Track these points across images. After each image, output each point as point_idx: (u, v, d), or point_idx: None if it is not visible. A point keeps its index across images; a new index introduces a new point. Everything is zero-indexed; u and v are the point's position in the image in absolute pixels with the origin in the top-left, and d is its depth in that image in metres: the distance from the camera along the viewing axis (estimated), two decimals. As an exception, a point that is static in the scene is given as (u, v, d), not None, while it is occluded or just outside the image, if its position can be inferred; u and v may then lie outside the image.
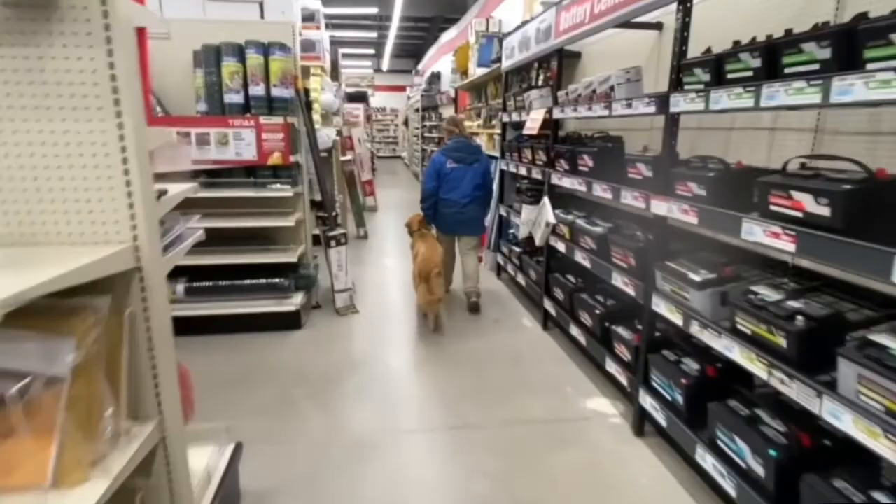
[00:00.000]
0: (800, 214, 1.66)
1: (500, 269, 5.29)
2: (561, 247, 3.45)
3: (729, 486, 1.91)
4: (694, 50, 2.27)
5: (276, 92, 3.60)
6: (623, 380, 2.69)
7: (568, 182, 3.28)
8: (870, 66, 1.48)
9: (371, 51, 22.28)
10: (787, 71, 1.79)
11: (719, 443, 2.00)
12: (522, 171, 4.31)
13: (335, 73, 8.86)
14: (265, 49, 3.55)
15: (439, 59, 13.87)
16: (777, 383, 1.73)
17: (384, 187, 12.77)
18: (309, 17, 6.24)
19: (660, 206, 2.32)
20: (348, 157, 7.15)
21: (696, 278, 2.10)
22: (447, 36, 13.51)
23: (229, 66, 3.51)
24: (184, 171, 3.56)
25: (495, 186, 5.42)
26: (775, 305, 1.79)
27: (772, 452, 1.75)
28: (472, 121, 8.65)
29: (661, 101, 2.33)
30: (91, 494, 1.08)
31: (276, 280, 3.80)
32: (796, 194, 1.67)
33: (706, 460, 2.03)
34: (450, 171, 4.27)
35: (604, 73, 2.97)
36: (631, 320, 2.80)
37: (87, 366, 1.14)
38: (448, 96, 11.66)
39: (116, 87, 1.25)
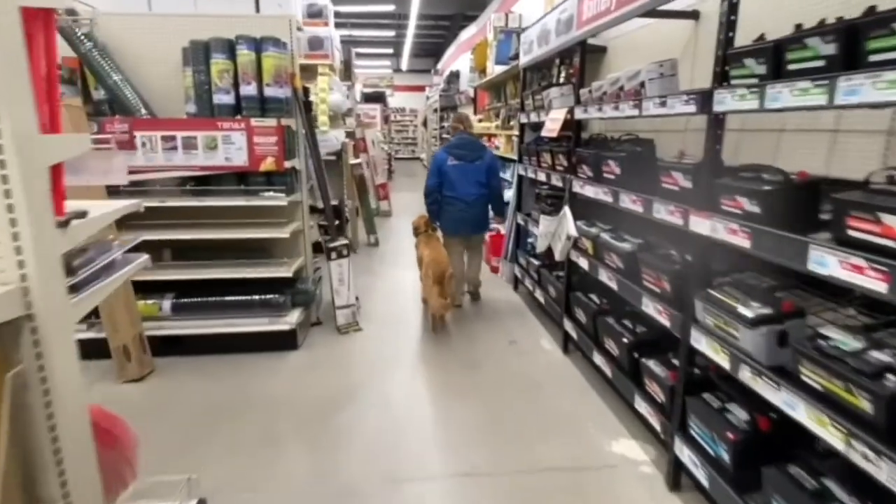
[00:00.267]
0: (894, 245, 1.28)
1: (517, 282, 4.92)
2: (583, 263, 3.07)
3: (793, 581, 1.53)
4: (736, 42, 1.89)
5: (269, 91, 3.30)
6: (655, 423, 2.31)
7: (591, 191, 2.91)
8: None
9: (389, 50, 22.04)
10: (872, 59, 1.40)
11: (779, 521, 1.61)
12: (541, 176, 3.95)
13: (348, 73, 8.58)
14: (257, 45, 3.26)
15: (458, 58, 13.53)
16: (859, 459, 1.35)
17: (400, 190, 12.49)
18: (316, 14, 5.97)
19: (701, 224, 1.94)
20: (359, 160, 6.85)
21: (748, 313, 1.71)
22: (466, 34, 13.16)
23: (218, 63, 3.22)
24: (170, 178, 3.31)
25: (512, 193, 5.08)
26: (855, 357, 1.40)
27: (854, 548, 1.36)
28: (490, 121, 8.28)
29: (703, 99, 1.95)
30: None
31: (270, 296, 3.50)
32: (888, 219, 1.29)
33: (761, 541, 1.65)
34: (450, 168, 4.21)
35: (633, 67, 2.59)
36: (664, 353, 2.42)
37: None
38: (467, 96, 11.33)
39: (-18, 83, 0.94)
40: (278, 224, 3.47)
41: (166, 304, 3.44)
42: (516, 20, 7.40)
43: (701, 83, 2.25)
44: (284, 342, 3.53)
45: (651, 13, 3.00)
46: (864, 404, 1.34)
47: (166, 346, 3.39)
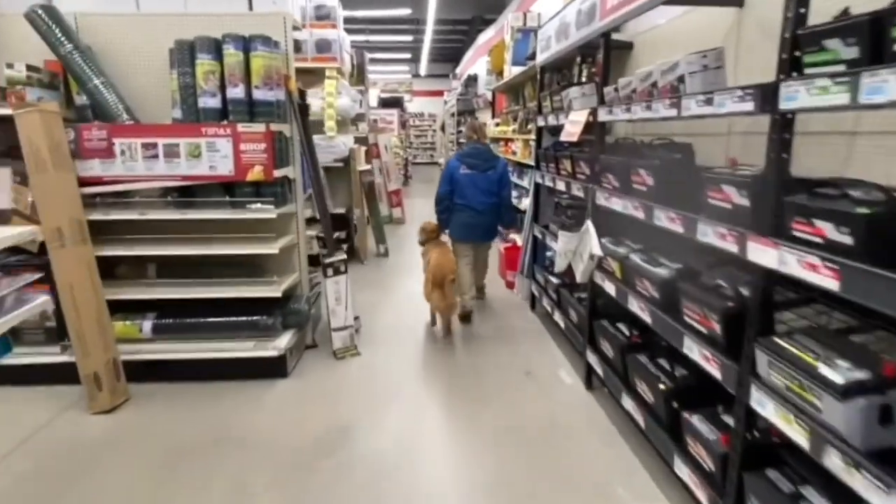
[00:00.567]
0: None
1: (533, 300, 4.51)
2: (609, 287, 2.66)
3: None
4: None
5: (258, 94, 2.98)
6: (702, 496, 1.89)
7: (619, 204, 2.50)
8: None
9: (408, 55, 21.83)
10: None
11: None
12: (560, 185, 3.54)
13: (361, 77, 8.31)
14: (245, 43, 2.94)
15: (476, 62, 13.18)
16: None
17: (416, 196, 12.17)
18: (325, 16, 5.68)
19: (764, 253, 1.53)
20: (367, 166, 6.53)
21: (836, 378, 1.30)
22: (484, 36, 12.83)
23: (204, 64, 2.92)
24: (151, 188, 3.01)
25: (529, 202, 4.69)
26: None
27: None
28: (508, 125, 7.90)
29: (766, 94, 1.55)
30: None
31: (258, 318, 3.17)
32: None
33: None
34: (462, 176, 4.24)
35: (668, 59, 2.18)
36: (713, 405, 2.00)
37: None
38: (485, 100, 10.97)
39: None
40: (267, 239, 3.13)
41: (147, 325, 3.14)
42: (535, 20, 7.01)
43: (745, 81, 1.85)
44: (272, 369, 3.19)
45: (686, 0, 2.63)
46: None
47: (145, 371, 3.09)
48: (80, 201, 2.79)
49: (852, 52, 1.32)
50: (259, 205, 3.00)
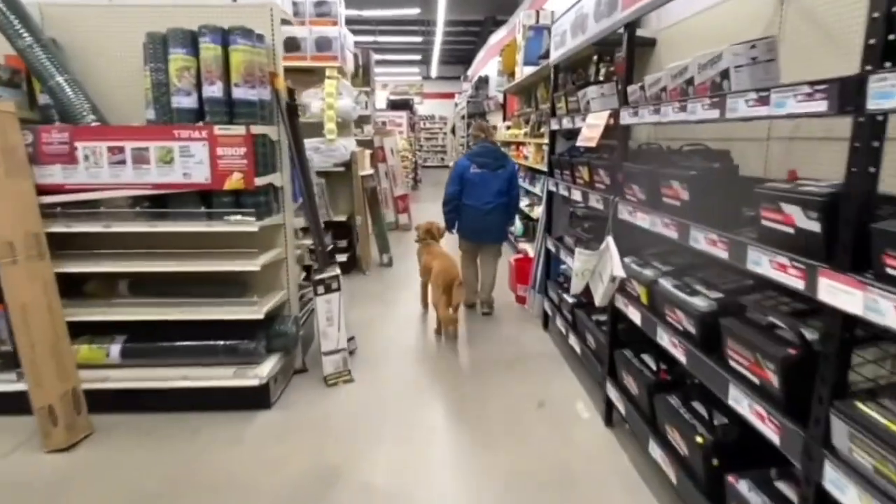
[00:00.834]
0: None
1: (546, 318, 4.16)
2: (634, 315, 2.31)
3: None
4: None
5: (238, 93, 2.68)
6: (752, 584, 1.54)
7: (646, 220, 2.15)
8: None
9: (418, 57, 21.58)
10: None
11: None
12: (576, 195, 3.20)
13: (367, 78, 8.02)
14: (224, 37, 2.64)
15: (487, 63, 12.86)
16: None
17: (425, 201, 11.84)
18: (325, 13, 5.38)
19: (845, 295, 1.18)
20: (370, 171, 6.22)
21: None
22: (496, 37, 12.50)
23: (177, 59, 2.62)
24: (120, 198, 2.71)
25: (541, 212, 4.35)
26: None
27: None
28: (519, 128, 7.57)
29: (847, 91, 1.20)
30: None
31: (237, 342, 2.86)
32: None
33: None
34: (473, 176, 4.20)
35: (707, 52, 1.83)
36: (764, 466, 1.64)
37: None
38: (496, 102, 10.65)
39: None
40: (247, 255, 2.82)
41: (115, 348, 2.84)
42: (548, 18, 6.67)
43: (790, 79, 1.52)
44: (254, 399, 2.88)
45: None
46: None
47: (112, 401, 2.79)
48: (37, 212, 2.51)
49: None
50: (239, 216, 2.69)
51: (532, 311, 4.55)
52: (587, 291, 2.87)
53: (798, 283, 1.33)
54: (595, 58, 4.18)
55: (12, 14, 2.54)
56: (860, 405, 1.20)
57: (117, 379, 2.79)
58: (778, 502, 1.51)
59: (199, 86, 2.66)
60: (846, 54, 1.73)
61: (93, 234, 2.70)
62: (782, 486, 1.56)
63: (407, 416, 2.92)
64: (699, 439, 1.81)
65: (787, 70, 1.88)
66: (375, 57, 8.44)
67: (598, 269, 2.59)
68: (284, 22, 3.11)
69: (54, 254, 2.58)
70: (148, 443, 2.59)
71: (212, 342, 2.88)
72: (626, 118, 2.41)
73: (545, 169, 5.40)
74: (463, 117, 14.16)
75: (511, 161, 4.40)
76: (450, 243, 4.77)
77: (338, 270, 3.32)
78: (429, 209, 10.20)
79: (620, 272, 2.36)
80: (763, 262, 1.43)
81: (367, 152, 7.10)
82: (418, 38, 17.94)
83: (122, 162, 2.60)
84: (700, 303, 1.82)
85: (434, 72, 23.07)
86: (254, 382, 2.78)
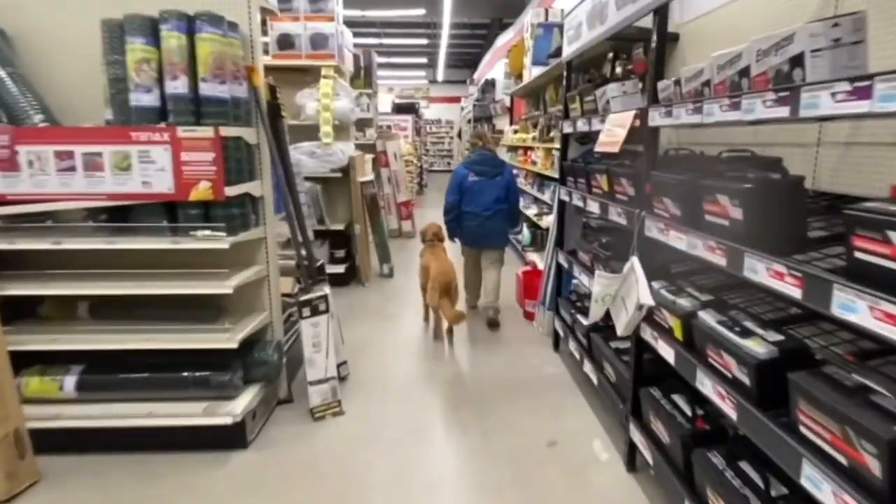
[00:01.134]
0: None
1: (557, 338, 3.79)
2: (665, 351, 1.94)
3: None
4: None
5: (206, 89, 2.33)
6: None
7: (682, 241, 1.78)
8: None
9: (424, 60, 21.31)
10: None
11: None
12: (593, 206, 2.83)
13: (368, 79, 7.70)
14: (189, 24, 2.30)
15: (494, 66, 12.51)
16: None
17: (430, 206, 11.49)
18: (320, 8, 5.06)
19: None
20: (370, 177, 5.88)
21: None
22: (502, 39, 12.15)
23: (135, 50, 2.28)
24: (71, 209, 2.38)
25: (552, 223, 4.00)
26: None
27: None
28: (527, 132, 7.22)
29: None
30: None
31: (208, 374, 2.51)
32: None
33: None
34: (471, 183, 4.25)
35: (770, 34, 1.46)
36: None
37: None
38: (502, 105, 10.31)
39: None
40: (221, 275, 2.47)
41: (69, 381, 2.50)
42: (557, 17, 6.32)
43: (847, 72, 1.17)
44: (227, 439, 2.53)
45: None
46: None
47: (66, 441, 2.46)
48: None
49: None
50: (207, 232, 2.35)
51: (541, 330, 4.19)
52: (605, 314, 2.51)
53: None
54: (610, 55, 3.84)
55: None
56: None
57: (71, 416, 2.45)
58: None
59: (161, 81, 2.32)
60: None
61: (44, 251, 2.36)
62: None
63: (403, 456, 2.56)
64: (756, 518, 1.44)
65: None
66: (381, 60, 8.14)
67: (621, 293, 2.22)
68: (266, 11, 2.77)
69: (-4, 274, 2.26)
70: (101, 492, 2.25)
71: (180, 373, 2.54)
72: (655, 119, 2.04)
73: (555, 175, 5.06)
74: (469, 121, 13.83)
75: (508, 168, 4.43)
76: (453, 248, 4.55)
77: (326, 290, 2.97)
78: (434, 216, 9.82)
79: (649, 300, 2.00)
80: (860, 310, 1.07)
81: (369, 157, 6.77)
82: (424, 41, 17.65)
83: (72, 169, 2.27)
84: (756, 348, 1.45)
85: (440, 75, 22.80)
86: (226, 421, 2.43)
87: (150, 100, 2.32)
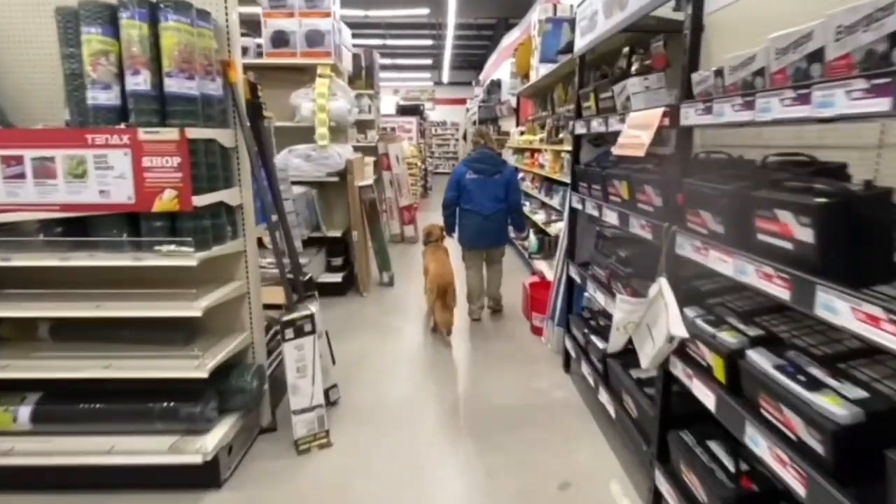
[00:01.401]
0: None
1: (567, 358, 3.48)
2: (703, 394, 1.64)
3: None
4: None
5: (171, 85, 2.05)
6: None
7: (728, 265, 1.47)
8: None
9: (429, 61, 21.07)
10: None
11: None
12: (610, 216, 2.53)
13: (370, 80, 7.43)
14: (152, 11, 2.02)
15: (500, 66, 12.22)
16: None
17: (435, 209, 11.15)
18: (316, 4, 4.79)
19: None
20: (369, 181, 5.60)
21: None
22: (508, 39, 11.87)
23: (91, 41, 2.01)
24: (21, 221, 2.10)
25: (563, 231, 3.71)
26: None
27: None
28: (534, 133, 6.93)
29: None
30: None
31: (177, 405, 2.23)
32: None
33: None
34: (469, 181, 4.25)
35: (858, 3, 1.16)
36: None
37: None
38: (508, 106, 10.03)
39: None
40: (183, 296, 2.17)
41: (24, 411, 2.22)
42: (567, 11, 6.03)
43: None
44: (198, 477, 2.25)
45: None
46: None
47: (18, 479, 2.19)
48: None
49: None
50: (172, 246, 2.06)
51: (550, 347, 3.88)
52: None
53: None
54: (626, 50, 3.54)
55: None
56: None
57: (24, 452, 2.17)
58: None
59: (122, 77, 2.04)
60: None
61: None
62: None
63: (396, 498, 2.26)
64: None
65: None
66: (386, 61, 7.87)
67: (647, 320, 1.92)
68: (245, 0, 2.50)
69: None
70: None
71: (146, 404, 2.26)
72: (690, 117, 1.73)
73: (564, 179, 4.79)
74: (474, 123, 13.54)
75: (508, 167, 4.40)
76: (454, 250, 4.58)
77: (313, 308, 2.68)
78: (438, 218, 9.55)
79: (681, 331, 1.69)
80: None
81: (370, 160, 6.50)
82: (429, 42, 17.40)
83: (21, 175, 2.00)
84: (834, 407, 1.15)
85: (446, 77, 22.56)
86: (195, 460, 2.14)
87: (108, 98, 2.04)
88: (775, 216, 1.26)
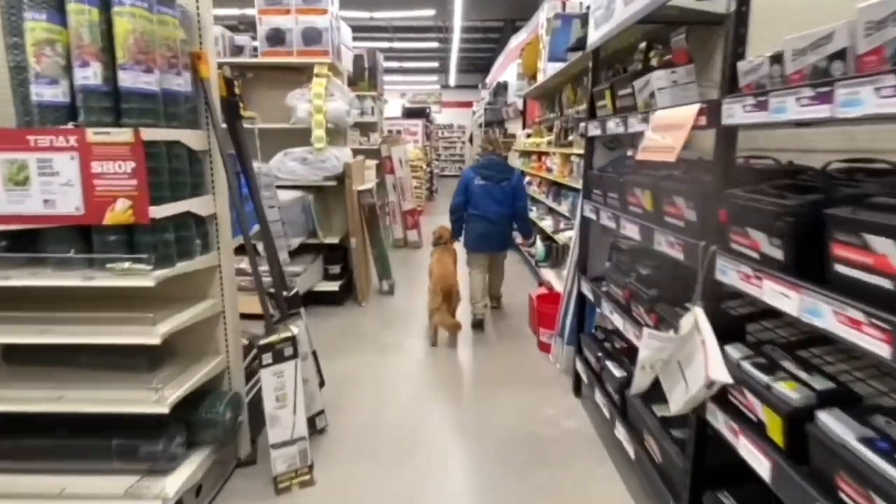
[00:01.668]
0: None
1: (578, 381, 3.17)
2: (753, 458, 1.33)
3: None
4: None
5: (126, 79, 1.78)
6: None
7: (792, 302, 1.17)
8: None
9: (436, 64, 20.85)
10: None
11: None
12: (630, 229, 2.23)
13: (373, 81, 7.18)
14: (105, -7, 1.76)
15: (507, 68, 11.94)
16: None
17: (440, 213, 10.89)
18: (314, 1, 4.53)
19: None
20: (368, 185, 5.33)
21: None
22: (515, 40, 11.57)
23: (35, 29, 1.74)
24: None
25: (573, 241, 3.41)
26: None
27: None
28: (541, 136, 6.63)
29: None
30: None
31: (136, 441, 1.96)
32: None
33: None
34: (477, 187, 4.29)
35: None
36: None
37: None
38: (515, 108, 9.75)
39: None
40: (140, 321, 1.89)
41: (-36, 449, 1.97)
42: (576, 8, 5.74)
43: None
44: (158, 529, 1.97)
45: None
46: None
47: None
48: None
49: None
50: (127, 264, 1.79)
51: (559, 366, 3.58)
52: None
53: None
54: (643, 46, 3.24)
55: None
56: None
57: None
58: None
59: (70, 70, 1.78)
60: None
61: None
62: None
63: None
64: None
65: None
66: (392, 64, 7.62)
67: (678, 357, 1.62)
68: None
69: None
70: None
71: (103, 440, 1.99)
72: (735, 115, 1.43)
73: (573, 184, 4.55)
74: (480, 126, 13.28)
75: (516, 173, 4.46)
76: (461, 253, 4.56)
77: (296, 329, 2.40)
78: (444, 222, 9.27)
79: (724, 376, 1.39)
80: None
81: (372, 163, 6.24)
82: (435, 44, 17.18)
83: (-49, 183, 1.73)
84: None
85: (452, 80, 22.36)
86: (153, 507, 1.87)
87: (55, 94, 1.77)
88: (865, 244, 0.96)
